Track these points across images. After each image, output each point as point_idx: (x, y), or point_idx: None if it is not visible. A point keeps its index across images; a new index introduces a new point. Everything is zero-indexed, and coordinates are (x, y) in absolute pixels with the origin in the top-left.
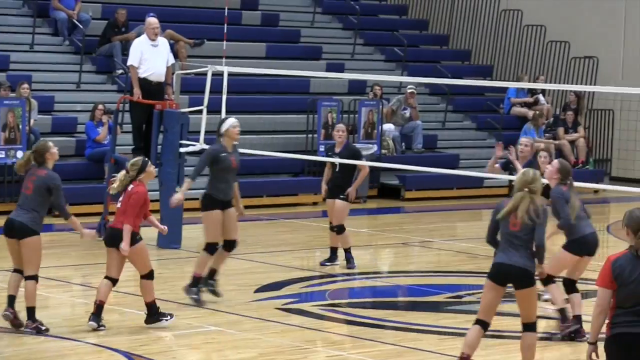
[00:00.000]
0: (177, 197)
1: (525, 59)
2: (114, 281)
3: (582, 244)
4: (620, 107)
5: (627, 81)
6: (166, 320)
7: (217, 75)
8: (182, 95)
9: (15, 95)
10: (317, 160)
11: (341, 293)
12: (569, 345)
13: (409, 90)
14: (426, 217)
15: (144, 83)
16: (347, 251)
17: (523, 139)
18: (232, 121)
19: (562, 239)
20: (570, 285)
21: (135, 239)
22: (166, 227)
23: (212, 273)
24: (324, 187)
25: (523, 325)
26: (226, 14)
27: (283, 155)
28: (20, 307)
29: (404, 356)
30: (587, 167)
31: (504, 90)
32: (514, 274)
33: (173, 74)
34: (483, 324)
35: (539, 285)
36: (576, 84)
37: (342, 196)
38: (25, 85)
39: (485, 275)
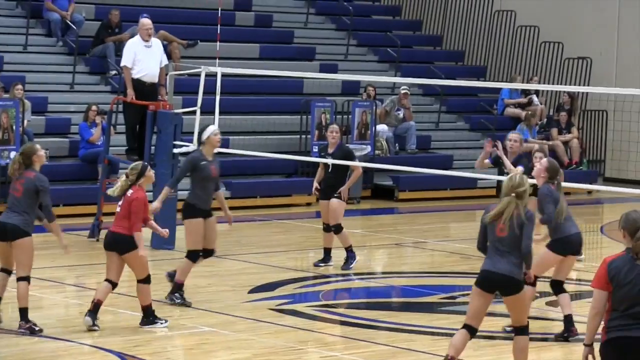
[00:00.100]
0: (155, 205)
1: (519, 60)
2: (114, 285)
3: (565, 244)
4: (614, 108)
5: (620, 82)
6: (161, 324)
7: (211, 76)
8: (175, 96)
9: (9, 96)
10: (310, 161)
11: (335, 294)
12: (563, 346)
13: (402, 91)
14: (420, 217)
15: (138, 84)
16: (349, 250)
17: (512, 135)
18: (213, 129)
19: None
20: (557, 286)
21: (133, 243)
22: (167, 231)
23: (180, 286)
24: (315, 186)
25: (514, 328)
26: (219, 14)
27: (276, 156)
28: (8, 307)
29: (397, 357)
30: (581, 167)
31: (497, 91)
32: (499, 281)
33: (166, 74)
34: (470, 329)
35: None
36: (570, 84)
37: (335, 195)
38: (19, 86)
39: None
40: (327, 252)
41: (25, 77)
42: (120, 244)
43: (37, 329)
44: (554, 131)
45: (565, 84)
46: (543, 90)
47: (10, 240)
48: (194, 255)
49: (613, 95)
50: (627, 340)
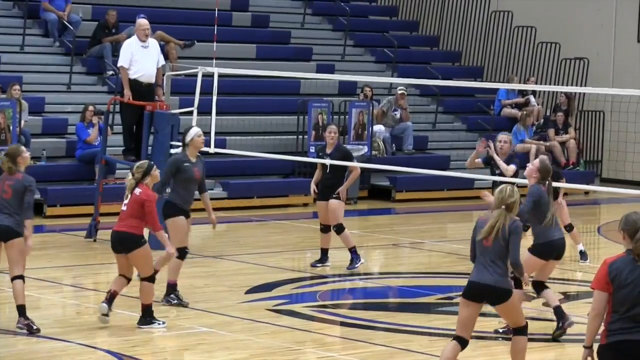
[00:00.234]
0: None
1: (516, 60)
2: (128, 280)
3: (549, 249)
4: (611, 109)
5: (617, 82)
6: (158, 324)
7: (208, 77)
8: (172, 96)
9: (6, 97)
10: (307, 161)
11: (332, 294)
12: (563, 347)
13: (399, 92)
14: (417, 218)
15: (135, 84)
16: (352, 251)
17: (501, 136)
18: (196, 130)
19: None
20: (539, 286)
21: (140, 241)
22: (174, 252)
23: (174, 287)
24: (312, 187)
25: (513, 330)
26: (216, 15)
27: (273, 157)
28: (6, 307)
29: (394, 357)
30: (578, 168)
31: (494, 91)
32: (485, 292)
33: (163, 75)
34: (461, 341)
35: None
36: (567, 85)
37: (334, 195)
38: (17, 87)
39: None
40: (324, 252)
41: (22, 78)
42: (125, 243)
43: (34, 327)
44: (551, 132)
45: (562, 85)
46: (540, 91)
47: (4, 241)
48: (181, 252)
49: (610, 95)
50: (628, 343)
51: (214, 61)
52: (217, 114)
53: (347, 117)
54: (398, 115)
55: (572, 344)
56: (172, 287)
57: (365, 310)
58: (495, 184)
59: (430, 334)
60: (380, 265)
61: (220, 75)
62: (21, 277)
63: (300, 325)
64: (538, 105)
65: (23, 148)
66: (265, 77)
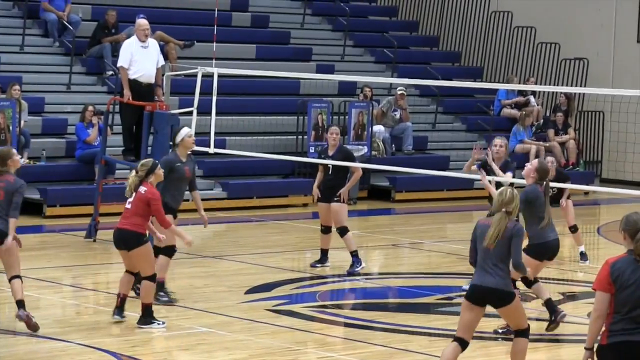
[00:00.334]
0: None
1: (516, 61)
2: (134, 274)
3: (543, 249)
4: (611, 109)
5: (617, 83)
6: (158, 324)
7: (207, 77)
8: (172, 96)
9: (6, 97)
10: (307, 161)
11: (331, 294)
12: (561, 347)
13: (399, 92)
14: (416, 218)
15: (134, 84)
16: (353, 254)
17: (497, 140)
18: (187, 131)
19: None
20: (529, 282)
21: (142, 240)
22: (164, 237)
23: (162, 285)
24: (315, 190)
25: (515, 331)
26: (216, 15)
27: (273, 157)
28: (5, 307)
29: (394, 357)
30: (578, 168)
31: (494, 91)
32: (488, 296)
33: (163, 75)
34: (461, 342)
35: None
36: (566, 85)
37: (335, 198)
38: (17, 87)
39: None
40: (324, 253)
41: (22, 78)
42: (127, 240)
43: (33, 321)
44: (551, 132)
45: (562, 85)
46: (540, 91)
47: None
48: (170, 251)
49: (610, 96)
50: (630, 344)
51: (214, 61)
52: (217, 114)
53: (346, 117)
54: (398, 116)
55: (572, 344)
56: (160, 285)
57: (365, 310)
58: (498, 184)
59: (429, 334)
60: (379, 266)
61: (219, 76)
62: (18, 276)
63: (299, 326)
64: (538, 105)
65: (14, 151)
66: (265, 78)
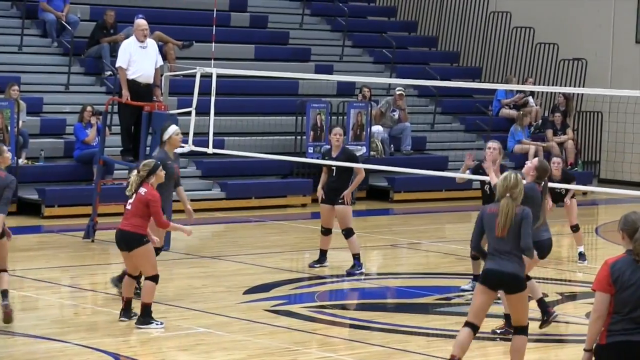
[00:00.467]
0: None
1: (514, 61)
2: (136, 277)
3: (536, 248)
4: (609, 109)
5: (615, 83)
6: (156, 325)
7: (206, 77)
8: (170, 96)
9: (4, 97)
10: (306, 162)
11: (330, 295)
12: (562, 348)
13: (397, 92)
14: (415, 218)
15: (133, 85)
16: (356, 257)
17: (490, 143)
18: (174, 128)
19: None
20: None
21: (142, 240)
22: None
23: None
24: (320, 191)
25: (514, 328)
26: (215, 15)
27: (272, 157)
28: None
29: (392, 357)
30: (576, 169)
31: (492, 92)
32: (504, 280)
33: (162, 75)
34: (473, 327)
35: None
36: (565, 85)
37: (340, 200)
38: (15, 87)
39: (471, 277)
40: (323, 253)
41: (20, 78)
42: (129, 242)
43: (9, 311)
44: (549, 132)
45: (561, 85)
46: (538, 92)
47: None
48: (155, 250)
49: (608, 96)
50: (630, 344)
51: (212, 61)
52: (216, 114)
53: (345, 117)
54: (396, 116)
55: (573, 344)
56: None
57: (363, 310)
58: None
59: (427, 335)
60: (378, 266)
61: (218, 76)
62: (5, 270)
63: (298, 326)
64: (536, 105)
65: (4, 147)
66: (264, 78)
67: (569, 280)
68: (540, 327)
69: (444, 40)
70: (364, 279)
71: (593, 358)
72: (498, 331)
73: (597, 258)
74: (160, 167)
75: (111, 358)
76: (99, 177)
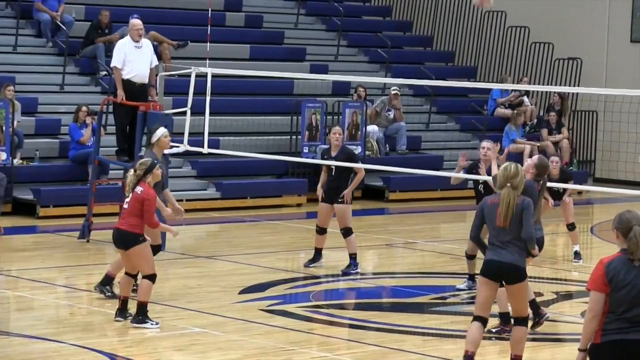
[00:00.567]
0: None
1: (509, 60)
2: (133, 276)
3: None
4: (604, 109)
5: (610, 82)
6: (151, 324)
7: (201, 77)
8: (165, 96)
9: None
10: (301, 162)
11: (325, 294)
12: (557, 346)
13: (392, 92)
14: (410, 218)
15: (128, 84)
16: (352, 257)
17: (485, 143)
18: (163, 131)
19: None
20: None
21: (138, 239)
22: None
23: (110, 279)
24: (319, 190)
25: (514, 319)
26: (210, 15)
27: (267, 157)
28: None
29: (388, 357)
30: (571, 168)
31: (487, 91)
32: (504, 270)
33: (157, 75)
34: (481, 320)
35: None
36: (560, 85)
37: (339, 200)
38: (10, 87)
39: (467, 276)
40: (318, 251)
41: (15, 78)
42: (125, 241)
43: None
44: (544, 132)
45: (556, 85)
46: (533, 91)
47: None
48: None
49: (603, 95)
50: (625, 343)
51: (207, 61)
52: (211, 114)
53: (340, 117)
54: (391, 116)
55: (567, 343)
56: (109, 279)
57: (359, 310)
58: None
59: (423, 334)
60: (373, 265)
61: (213, 76)
62: None
63: (293, 326)
64: (531, 105)
65: None
66: (259, 78)
67: (565, 279)
68: (532, 328)
69: (439, 39)
70: (360, 279)
71: (587, 358)
72: (493, 330)
73: (592, 257)
74: (157, 166)
75: (107, 358)
76: (94, 177)
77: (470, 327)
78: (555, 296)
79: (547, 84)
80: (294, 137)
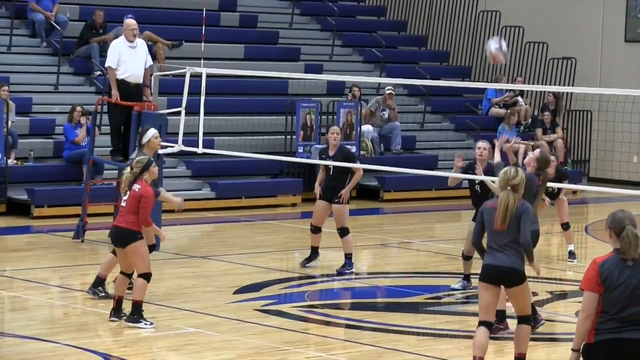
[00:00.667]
0: None
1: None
2: (129, 275)
3: None
4: (599, 108)
5: (605, 82)
6: (145, 324)
7: (196, 77)
8: (160, 96)
9: None
10: (295, 161)
11: (320, 294)
12: (551, 346)
13: (387, 92)
14: (405, 218)
15: (122, 84)
16: (347, 257)
17: (480, 143)
18: (154, 132)
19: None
20: None
21: (135, 237)
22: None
23: (102, 280)
24: (317, 188)
25: (517, 317)
26: (204, 15)
27: (261, 157)
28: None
29: (382, 357)
30: (566, 167)
31: (482, 91)
32: (502, 274)
33: (151, 75)
34: (487, 324)
35: None
36: (554, 84)
37: (336, 199)
38: (4, 87)
39: (462, 276)
40: (315, 250)
41: (9, 78)
42: (123, 238)
43: None
44: (539, 131)
45: (550, 84)
46: (528, 91)
47: None
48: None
49: (597, 95)
50: (618, 342)
51: (202, 61)
52: (205, 114)
53: (335, 117)
54: (386, 115)
55: (562, 343)
56: (101, 281)
57: (354, 310)
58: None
59: (418, 334)
60: (368, 265)
61: (208, 76)
62: None
63: (288, 326)
64: (526, 104)
65: None
66: (254, 77)
67: (559, 279)
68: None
69: (434, 39)
70: (355, 279)
71: (581, 357)
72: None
73: (586, 256)
74: (154, 164)
75: (101, 358)
76: (89, 177)
77: (476, 332)
78: (549, 296)
79: (542, 84)
80: (288, 137)
